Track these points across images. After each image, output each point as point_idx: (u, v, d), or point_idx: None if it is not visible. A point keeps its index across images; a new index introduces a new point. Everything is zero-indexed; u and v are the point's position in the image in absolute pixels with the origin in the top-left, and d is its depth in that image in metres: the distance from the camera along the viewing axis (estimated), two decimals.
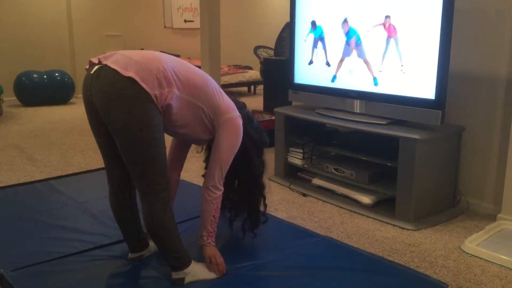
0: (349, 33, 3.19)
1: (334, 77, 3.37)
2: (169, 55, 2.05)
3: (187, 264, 2.08)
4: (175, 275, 2.07)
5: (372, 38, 3.06)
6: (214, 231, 2.18)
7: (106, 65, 1.88)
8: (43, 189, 3.36)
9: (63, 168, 3.99)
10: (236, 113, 2.13)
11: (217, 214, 2.15)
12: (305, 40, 3.55)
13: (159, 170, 1.96)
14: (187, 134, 2.12)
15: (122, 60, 1.89)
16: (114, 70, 1.85)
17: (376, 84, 3.09)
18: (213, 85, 2.10)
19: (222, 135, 2.09)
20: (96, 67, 1.92)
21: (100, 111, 1.91)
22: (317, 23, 3.43)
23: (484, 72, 3.01)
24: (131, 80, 1.83)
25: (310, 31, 3.49)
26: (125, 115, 1.85)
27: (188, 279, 2.07)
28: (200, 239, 2.17)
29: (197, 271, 2.10)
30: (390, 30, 2.93)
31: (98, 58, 1.95)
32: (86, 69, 1.99)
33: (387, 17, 2.92)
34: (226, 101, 2.13)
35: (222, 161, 2.09)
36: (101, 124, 1.97)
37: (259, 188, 2.41)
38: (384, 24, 2.95)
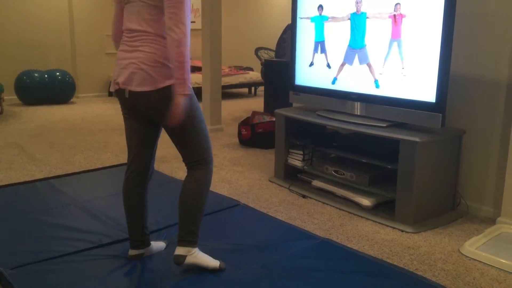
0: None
1: (335, 79, 3.38)
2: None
3: (195, 243, 2.15)
4: (179, 250, 2.12)
5: (375, 40, 3.06)
6: (183, 78, 1.95)
7: (133, 91, 2.01)
8: (43, 188, 3.36)
9: (64, 167, 3.99)
10: None
11: (188, 59, 1.94)
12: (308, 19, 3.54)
13: (209, 142, 2.18)
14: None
15: (136, 77, 1.99)
16: (143, 92, 1.99)
17: (377, 86, 3.10)
18: None
19: None
20: (126, 92, 2.04)
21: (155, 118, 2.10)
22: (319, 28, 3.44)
23: (485, 76, 3.01)
24: (162, 89, 1.99)
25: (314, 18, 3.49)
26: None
27: (188, 259, 2.13)
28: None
29: (199, 255, 2.17)
30: (397, 22, 2.92)
31: (118, 84, 2.06)
32: (115, 90, 2.12)
33: (397, 4, 2.91)
34: None
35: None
36: (143, 115, 2.12)
37: None
38: (394, 16, 2.93)
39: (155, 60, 1.99)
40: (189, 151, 2.13)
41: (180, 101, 1.96)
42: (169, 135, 2.12)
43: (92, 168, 3.93)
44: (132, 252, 2.32)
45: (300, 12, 3.59)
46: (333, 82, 3.39)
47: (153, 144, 2.24)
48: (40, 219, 2.80)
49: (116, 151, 4.55)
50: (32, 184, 3.43)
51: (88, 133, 5.30)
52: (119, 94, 2.10)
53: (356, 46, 3.19)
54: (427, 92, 2.83)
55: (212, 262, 2.21)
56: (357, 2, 3.13)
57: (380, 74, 3.07)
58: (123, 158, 4.25)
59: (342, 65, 3.30)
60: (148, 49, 1.99)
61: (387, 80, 3.04)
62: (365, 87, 3.17)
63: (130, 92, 2.03)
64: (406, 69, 2.92)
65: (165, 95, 1.99)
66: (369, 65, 3.12)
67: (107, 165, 4.03)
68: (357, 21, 3.15)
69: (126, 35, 2.09)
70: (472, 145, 3.12)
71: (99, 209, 2.95)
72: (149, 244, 2.35)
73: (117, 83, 2.07)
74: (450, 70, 2.77)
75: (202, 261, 2.18)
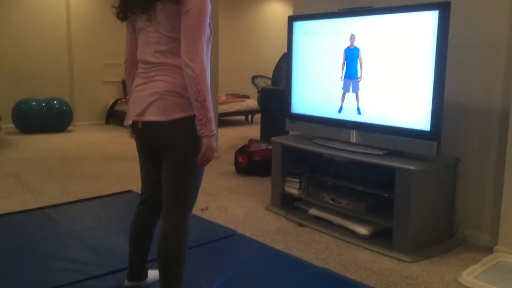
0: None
1: (341, 108, 3.38)
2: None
3: None
4: None
5: (369, 71, 3.10)
6: (207, 117, 1.90)
7: (146, 121, 1.95)
8: (38, 218, 3.34)
9: (59, 197, 3.97)
10: None
11: (207, 96, 1.87)
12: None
13: (198, 193, 2.06)
14: None
15: (151, 107, 1.93)
16: (155, 122, 1.92)
17: (372, 115, 3.12)
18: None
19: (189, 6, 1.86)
20: (140, 123, 1.97)
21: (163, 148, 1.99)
22: (315, 56, 3.49)
23: (479, 104, 3.05)
24: (175, 120, 1.92)
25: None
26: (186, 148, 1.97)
27: None
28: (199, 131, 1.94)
29: None
30: (390, 53, 2.97)
31: (132, 116, 1.99)
32: (129, 126, 2.05)
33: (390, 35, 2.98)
34: None
35: (197, 26, 1.84)
36: (155, 152, 2.03)
37: None
38: (387, 47, 2.98)
39: (172, 90, 1.90)
40: (175, 195, 2.00)
41: (209, 143, 1.89)
42: (164, 171, 2.01)
43: (88, 197, 3.92)
44: (128, 283, 2.28)
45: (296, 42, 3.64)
46: (339, 111, 3.39)
47: None
48: (35, 250, 2.77)
49: (112, 179, 4.54)
50: (27, 214, 3.41)
51: (85, 162, 5.30)
52: (134, 127, 2.02)
53: (351, 77, 3.23)
54: (421, 121, 2.86)
55: None
56: (350, 38, 3.18)
57: (375, 102, 3.10)
58: (119, 187, 4.24)
59: (343, 94, 3.32)
60: (164, 78, 1.92)
61: (382, 109, 3.07)
62: (360, 116, 3.19)
63: (143, 122, 1.95)
64: (401, 98, 2.95)
65: (177, 126, 1.92)
66: (360, 95, 3.15)
67: (103, 194, 4.01)
68: (351, 54, 3.20)
69: (141, 67, 2.02)
70: (467, 174, 3.13)
71: (95, 239, 2.93)
72: (146, 276, 2.32)
73: (132, 116, 2.00)
74: (444, 98, 2.80)
75: None
